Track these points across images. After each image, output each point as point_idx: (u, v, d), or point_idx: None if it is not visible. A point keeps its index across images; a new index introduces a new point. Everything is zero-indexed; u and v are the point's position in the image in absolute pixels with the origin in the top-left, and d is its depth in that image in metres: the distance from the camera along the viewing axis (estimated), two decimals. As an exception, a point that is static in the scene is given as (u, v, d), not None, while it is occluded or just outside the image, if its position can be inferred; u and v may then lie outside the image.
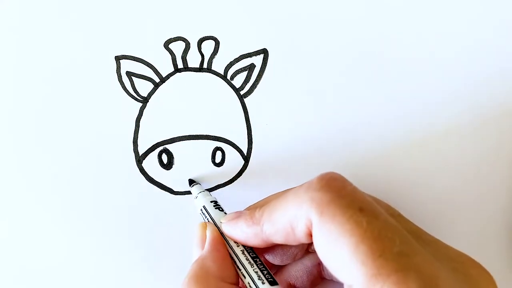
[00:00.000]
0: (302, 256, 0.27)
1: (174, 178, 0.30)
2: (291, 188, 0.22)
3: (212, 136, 0.30)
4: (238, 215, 0.24)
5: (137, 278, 0.29)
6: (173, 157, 0.30)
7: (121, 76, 0.30)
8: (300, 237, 0.20)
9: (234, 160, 0.30)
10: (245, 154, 0.30)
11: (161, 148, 0.30)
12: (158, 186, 0.29)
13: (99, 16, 0.30)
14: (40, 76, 0.30)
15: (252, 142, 0.30)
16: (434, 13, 0.31)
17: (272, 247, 0.25)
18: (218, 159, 0.30)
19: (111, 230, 0.29)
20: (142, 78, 0.30)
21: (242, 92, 0.30)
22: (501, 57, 0.31)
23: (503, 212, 0.30)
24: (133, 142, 0.30)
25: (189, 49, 0.30)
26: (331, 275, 0.27)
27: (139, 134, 0.30)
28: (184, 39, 0.30)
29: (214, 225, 0.25)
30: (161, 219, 0.29)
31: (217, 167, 0.30)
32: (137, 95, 0.30)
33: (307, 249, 0.26)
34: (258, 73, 0.30)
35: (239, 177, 0.30)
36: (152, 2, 0.30)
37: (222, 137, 0.30)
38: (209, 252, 0.23)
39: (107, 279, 0.29)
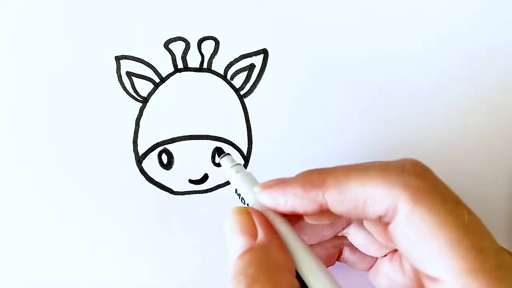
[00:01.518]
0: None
1: (174, 178, 0.30)
2: (369, 163, 0.20)
3: (212, 136, 0.30)
4: (282, 180, 0.21)
5: (137, 278, 0.29)
6: (173, 157, 0.30)
7: (121, 76, 0.30)
8: (369, 215, 0.19)
9: (234, 160, 0.30)
10: (245, 154, 0.30)
11: (161, 148, 0.30)
12: (158, 186, 0.29)
13: (99, 16, 0.30)
14: (40, 76, 0.30)
15: (252, 142, 0.30)
16: (436, 14, 0.31)
17: (303, 226, 0.23)
18: (218, 159, 0.30)
19: (111, 230, 0.29)
20: (142, 78, 0.30)
21: (242, 92, 0.30)
22: (503, 57, 0.31)
23: (505, 212, 0.30)
24: (133, 142, 0.30)
25: (189, 49, 0.30)
26: (351, 262, 0.26)
27: (139, 134, 0.30)
28: (184, 39, 0.30)
29: (258, 210, 0.21)
30: (161, 219, 0.29)
31: (217, 167, 0.30)
32: (137, 95, 0.30)
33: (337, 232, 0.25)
34: (258, 73, 0.30)
35: (239, 177, 0.30)
36: (152, 2, 0.30)
37: (222, 137, 0.30)
38: (269, 239, 0.19)
39: (107, 279, 0.29)
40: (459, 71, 0.30)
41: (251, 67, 0.30)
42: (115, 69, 0.30)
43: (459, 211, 0.18)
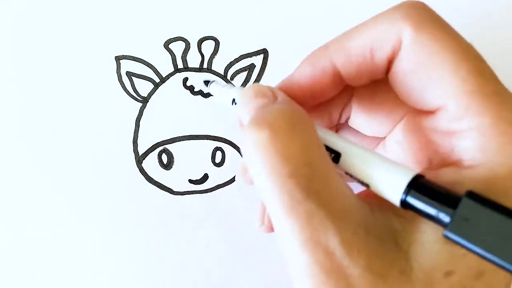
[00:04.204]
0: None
1: (174, 178, 0.30)
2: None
3: (212, 136, 0.30)
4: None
5: (136, 278, 0.29)
6: (173, 157, 0.30)
7: (121, 76, 0.30)
8: (378, 63, 0.19)
9: (234, 160, 0.30)
10: (245, 154, 0.30)
11: (161, 148, 0.30)
12: (158, 186, 0.29)
13: (99, 16, 0.30)
14: (41, 76, 0.30)
15: (252, 142, 0.30)
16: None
17: (314, 111, 0.23)
18: (218, 159, 0.30)
19: (111, 230, 0.29)
20: (142, 78, 0.30)
21: (242, 92, 0.30)
22: (503, 56, 0.31)
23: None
24: (133, 142, 0.30)
25: (189, 49, 0.30)
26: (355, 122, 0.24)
27: (139, 134, 0.30)
28: (184, 39, 0.30)
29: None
30: (161, 219, 0.29)
31: (217, 167, 0.30)
32: (137, 95, 0.30)
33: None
34: (258, 73, 0.30)
35: (239, 177, 0.30)
36: (152, 2, 0.30)
37: (222, 137, 0.30)
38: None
39: (107, 279, 0.29)
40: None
41: (251, 67, 0.30)
42: (115, 69, 0.30)
43: (460, 37, 0.18)
